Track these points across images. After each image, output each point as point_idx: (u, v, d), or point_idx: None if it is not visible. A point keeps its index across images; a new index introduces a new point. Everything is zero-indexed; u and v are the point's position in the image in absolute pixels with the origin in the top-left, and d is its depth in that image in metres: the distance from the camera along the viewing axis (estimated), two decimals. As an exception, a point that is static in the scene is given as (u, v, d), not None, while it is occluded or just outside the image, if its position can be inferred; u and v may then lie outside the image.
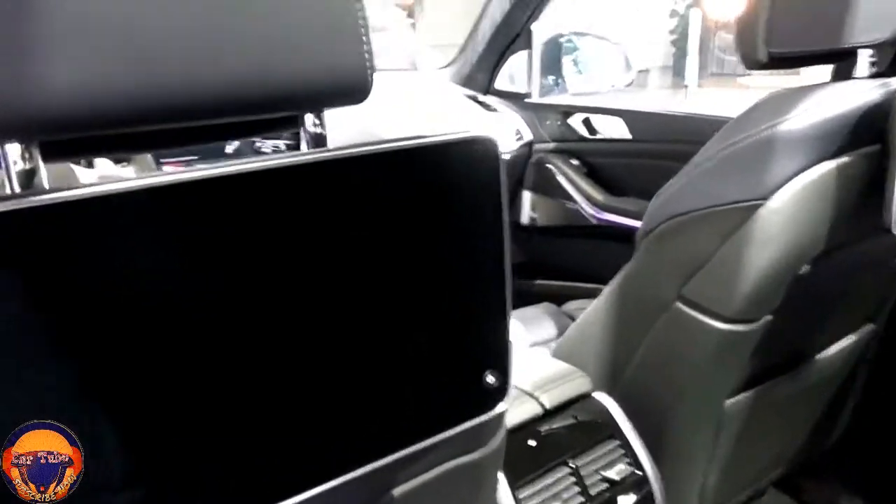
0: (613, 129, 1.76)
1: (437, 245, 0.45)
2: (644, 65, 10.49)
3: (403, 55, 2.73)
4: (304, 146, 0.48)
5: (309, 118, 0.48)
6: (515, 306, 1.66)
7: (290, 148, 1.45)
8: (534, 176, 1.88)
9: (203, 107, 0.41)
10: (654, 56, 10.90)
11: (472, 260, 0.47)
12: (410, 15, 13.14)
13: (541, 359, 0.98)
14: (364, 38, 0.44)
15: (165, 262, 0.33)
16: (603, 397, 0.92)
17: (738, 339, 0.85)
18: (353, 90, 0.45)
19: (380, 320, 0.43)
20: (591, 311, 1.02)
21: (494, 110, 1.87)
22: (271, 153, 1.43)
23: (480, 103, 1.87)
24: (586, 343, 1.00)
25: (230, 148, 1.39)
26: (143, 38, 0.38)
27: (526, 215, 1.93)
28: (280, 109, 0.45)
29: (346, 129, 1.55)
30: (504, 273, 0.47)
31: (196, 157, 1.36)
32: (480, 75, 1.89)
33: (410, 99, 1.76)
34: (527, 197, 1.92)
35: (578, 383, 0.91)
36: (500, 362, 0.46)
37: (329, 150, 0.42)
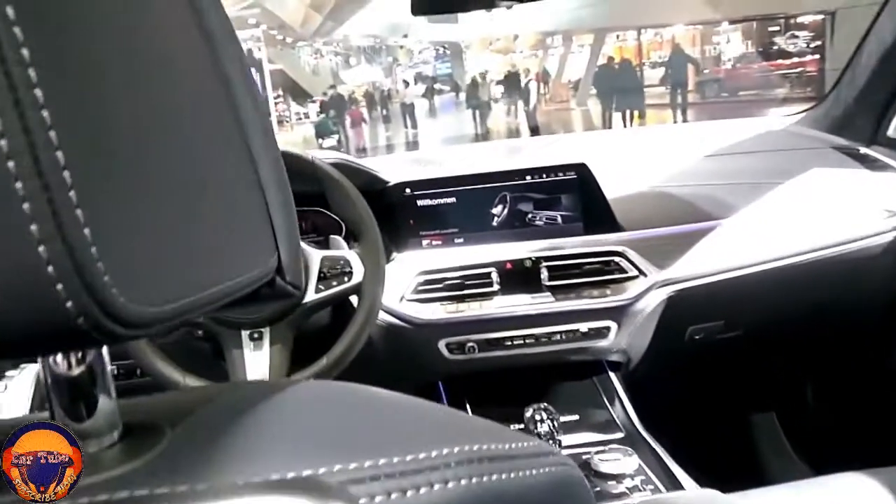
0: None
1: None
2: None
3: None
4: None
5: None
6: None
7: (564, 220, 1.20)
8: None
9: None
10: None
11: None
12: (818, 37, 11.49)
13: None
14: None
15: None
16: None
17: None
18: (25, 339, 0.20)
19: None
20: None
21: (885, 167, 1.32)
22: (543, 225, 1.20)
23: (860, 157, 1.34)
24: None
25: (497, 214, 1.20)
26: None
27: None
28: None
29: (631, 186, 1.23)
30: None
31: (456, 231, 1.20)
32: (861, 118, 1.36)
33: (743, 155, 1.34)
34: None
35: None
36: None
37: None
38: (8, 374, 0.88)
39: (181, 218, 0.23)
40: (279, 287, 0.30)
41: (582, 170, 1.20)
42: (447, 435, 0.28)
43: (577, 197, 1.21)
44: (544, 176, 1.21)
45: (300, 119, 15.43)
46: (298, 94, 17.07)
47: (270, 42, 16.67)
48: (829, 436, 1.52)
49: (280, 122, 14.82)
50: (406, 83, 17.30)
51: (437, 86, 18.14)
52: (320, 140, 10.38)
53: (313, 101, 15.56)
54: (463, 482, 0.26)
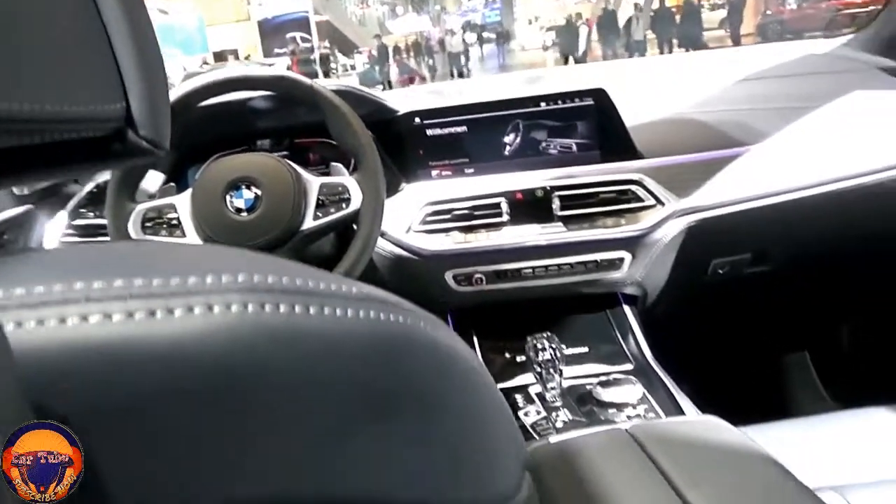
0: None
1: None
2: None
3: None
4: None
5: None
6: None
7: (580, 148, 1.15)
8: None
9: None
10: None
11: None
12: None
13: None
14: None
15: None
16: None
17: None
18: None
19: None
20: None
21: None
22: (557, 153, 1.15)
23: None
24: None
25: (509, 143, 1.15)
26: None
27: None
28: None
29: (654, 113, 1.15)
30: None
31: (467, 161, 1.17)
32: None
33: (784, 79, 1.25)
34: None
35: None
36: None
37: None
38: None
39: None
40: (132, 142, 0.28)
41: (600, 96, 1.14)
42: (231, 264, 0.24)
43: (593, 124, 1.15)
44: (559, 102, 1.15)
45: (346, 71, 15.35)
46: (345, 45, 16.94)
47: (316, -9, 16.49)
48: (864, 378, 1.45)
49: (326, 74, 14.78)
50: (452, 32, 16.93)
51: (484, 34, 17.70)
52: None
53: (360, 52, 15.43)
54: (235, 309, 0.22)
